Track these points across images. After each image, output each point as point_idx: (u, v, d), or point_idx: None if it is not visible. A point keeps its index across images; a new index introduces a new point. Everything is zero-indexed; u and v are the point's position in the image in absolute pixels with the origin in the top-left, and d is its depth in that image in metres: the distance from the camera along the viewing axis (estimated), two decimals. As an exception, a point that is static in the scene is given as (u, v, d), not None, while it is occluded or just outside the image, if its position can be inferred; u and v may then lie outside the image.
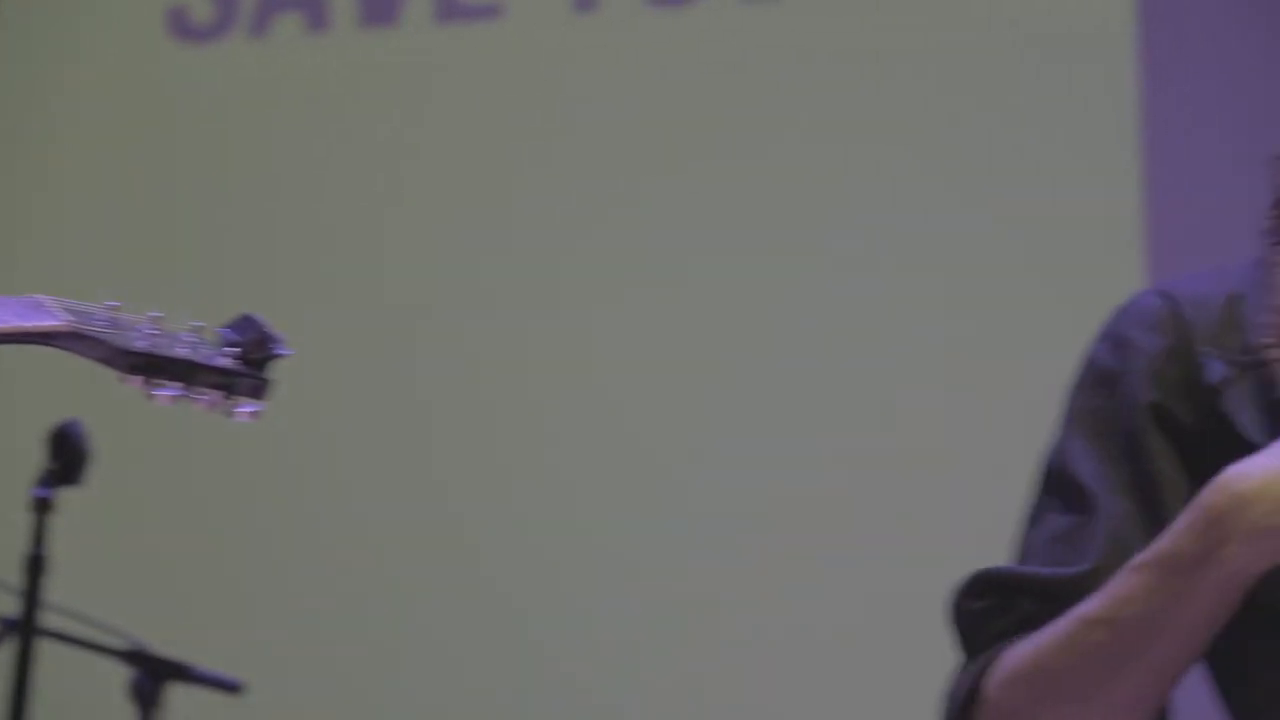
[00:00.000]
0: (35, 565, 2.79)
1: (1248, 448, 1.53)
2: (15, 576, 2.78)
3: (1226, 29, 3.45)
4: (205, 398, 1.74)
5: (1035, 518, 1.64)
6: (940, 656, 1.70)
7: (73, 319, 1.67)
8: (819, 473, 3.59)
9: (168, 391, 1.71)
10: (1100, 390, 1.64)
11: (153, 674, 3.03)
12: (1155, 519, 1.57)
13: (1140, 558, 1.50)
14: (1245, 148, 2.05)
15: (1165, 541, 1.48)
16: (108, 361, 1.69)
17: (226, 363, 1.74)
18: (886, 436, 3.57)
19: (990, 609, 1.60)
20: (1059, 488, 1.63)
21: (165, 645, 3.07)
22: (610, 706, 3.65)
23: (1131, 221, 3.50)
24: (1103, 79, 3.55)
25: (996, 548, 1.71)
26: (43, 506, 2.78)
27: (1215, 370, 1.59)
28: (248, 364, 1.75)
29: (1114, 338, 1.65)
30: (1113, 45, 3.55)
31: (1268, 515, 1.44)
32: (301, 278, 3.86)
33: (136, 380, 1.70)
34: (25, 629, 2.79)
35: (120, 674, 3.03)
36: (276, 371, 1.75)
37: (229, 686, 3.14)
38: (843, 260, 3.65)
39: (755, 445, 3.63)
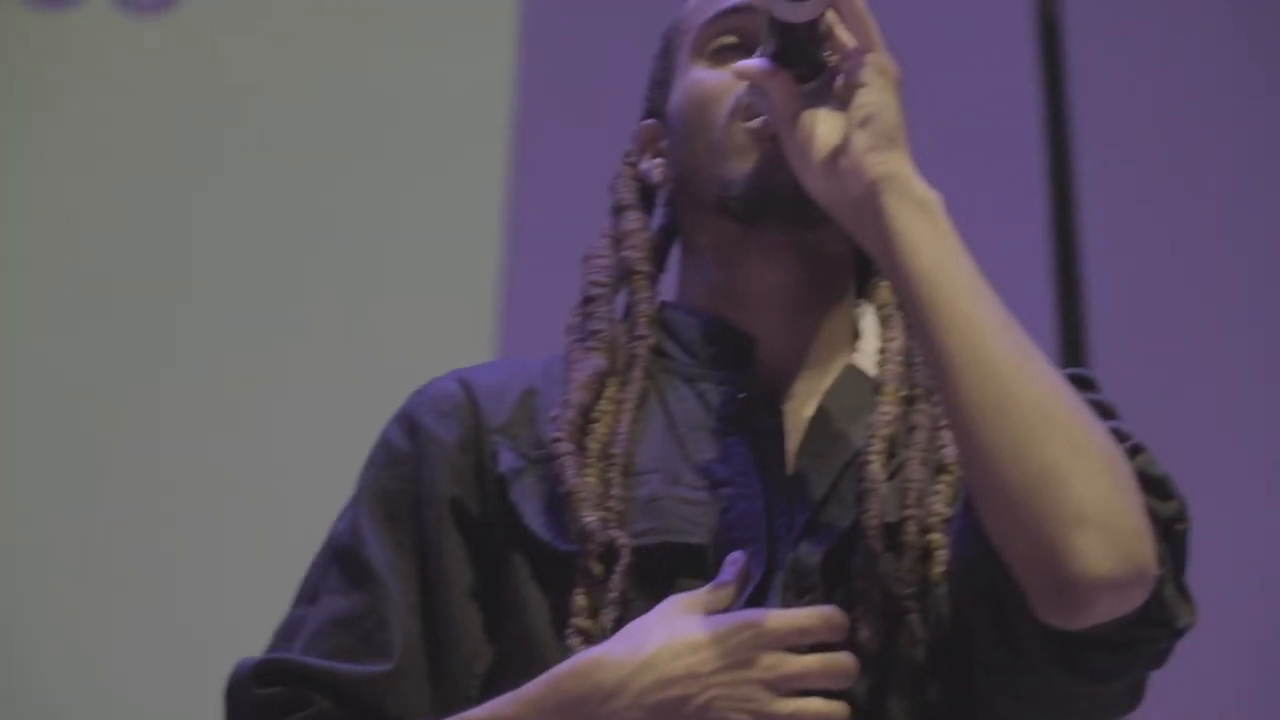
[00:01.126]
0: None
1: (532, 539, 1.61)
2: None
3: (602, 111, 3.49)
4: None
5: (316, 593, 1.67)
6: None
7: None
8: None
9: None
10: (394, 472, 1.69)
11: None
12: (440, 616, 1.63)
13: (484, 714, 1.55)
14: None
15: (512, 711, 1.53)
16: None
17: None
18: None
19: (281, 699, 1.61)
20: (345, 567, 1.66)
21: None
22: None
23: (488, 293, 3.51)
24: (475, 149, 3.59)
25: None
26: None
27: (505, 460, 1.65)
28: None
29: (409, 421, 1.71)
30: (487, 114, 3.59)
31: (626, 710, 1.49)
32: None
33: None
34: None
35: None
36: None
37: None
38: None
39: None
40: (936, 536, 1.59)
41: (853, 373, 1.72)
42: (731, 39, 1.73)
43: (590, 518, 1.57)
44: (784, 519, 1.61)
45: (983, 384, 1.50)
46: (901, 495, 1.60)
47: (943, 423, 1.64)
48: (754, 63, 1.61)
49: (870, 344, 1.75)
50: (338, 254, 3.55)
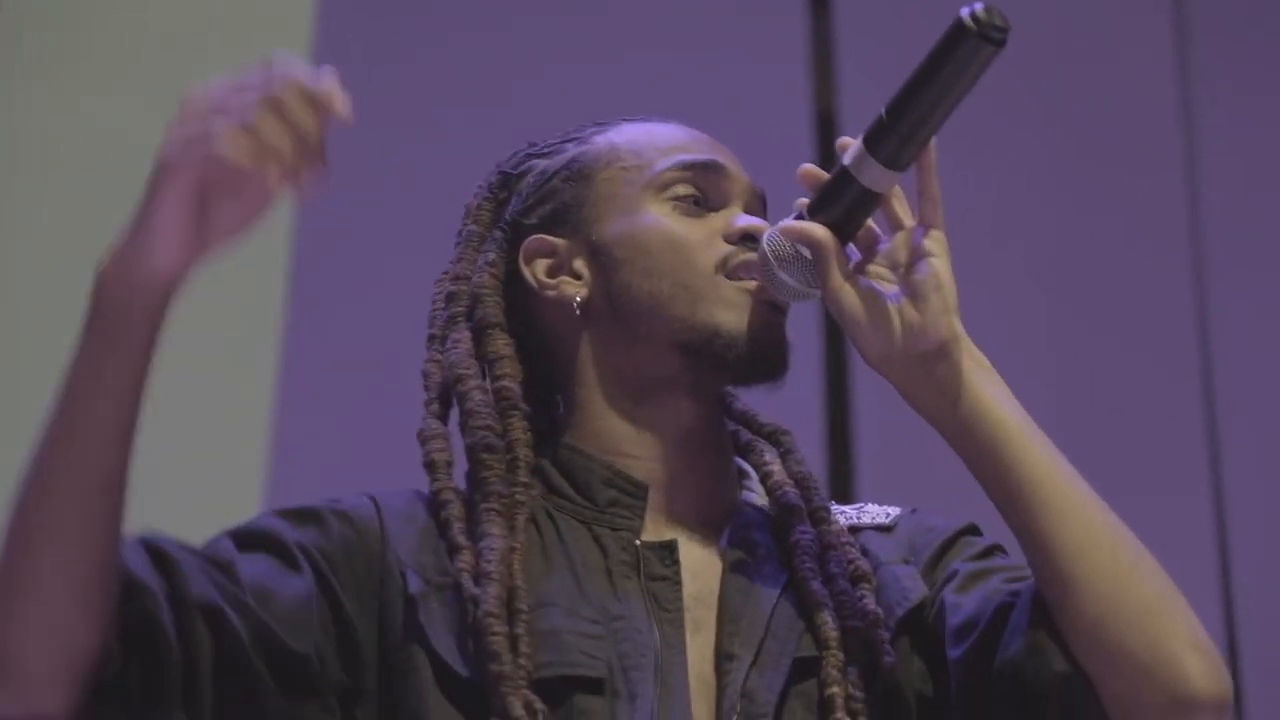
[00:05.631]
0: None
1: (438, 660, 1.69)
2: None
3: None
4: None
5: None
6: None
7: None
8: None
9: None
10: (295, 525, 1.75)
11: None
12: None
13: None
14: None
15: None
16: None
17: None
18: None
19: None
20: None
21: None
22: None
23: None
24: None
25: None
26: None
27: (413, 583, 1.72)
28: None
29: (315, 510, 1.76)
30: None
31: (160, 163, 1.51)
32: None
33: None
34: None
35: None
36: None
37: None
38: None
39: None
40: (879, 633, 1.73)
41: (747, 508, 1.83)
42: (692, 191, 1.82)
43: (518, 711, 1.64)
44: (679, 655, 1.70)
45: (1081, 528, 1.66)
46: (838, 607, 1.74)
47: (845, 539, 1.79)
48: (815, 227, 1.71)
49: (755, 481, 1.86)
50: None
